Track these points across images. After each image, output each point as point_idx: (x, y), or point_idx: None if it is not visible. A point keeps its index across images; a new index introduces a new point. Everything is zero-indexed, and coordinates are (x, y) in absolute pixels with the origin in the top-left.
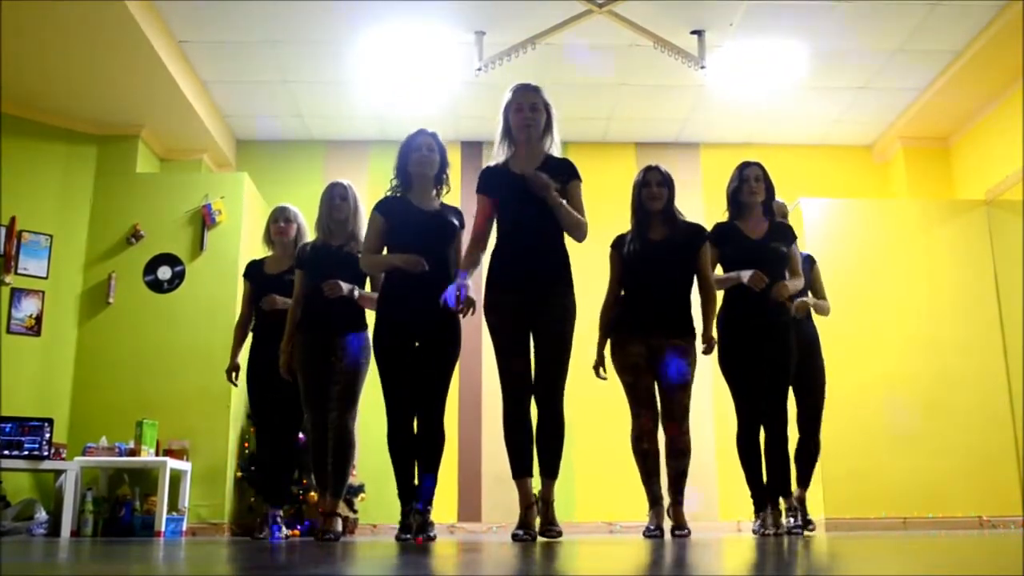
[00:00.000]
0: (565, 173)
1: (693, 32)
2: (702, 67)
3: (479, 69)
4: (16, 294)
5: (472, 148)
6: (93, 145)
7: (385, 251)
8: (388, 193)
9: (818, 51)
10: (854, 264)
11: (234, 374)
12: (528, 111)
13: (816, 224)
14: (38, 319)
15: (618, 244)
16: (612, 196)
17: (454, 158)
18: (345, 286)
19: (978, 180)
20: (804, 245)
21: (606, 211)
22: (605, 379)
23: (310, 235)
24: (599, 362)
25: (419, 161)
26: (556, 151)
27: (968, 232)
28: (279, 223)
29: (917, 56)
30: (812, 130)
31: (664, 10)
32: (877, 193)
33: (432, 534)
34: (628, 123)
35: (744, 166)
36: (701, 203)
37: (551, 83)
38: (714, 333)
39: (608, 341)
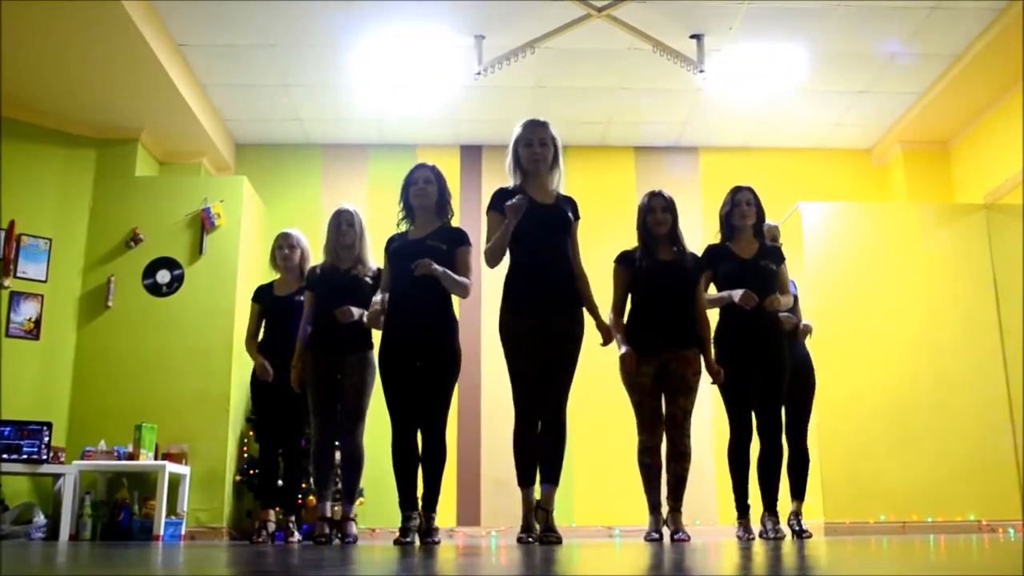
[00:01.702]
0: (573, 213)
1: (692, 36)
2: (701, 71)
3: (479, 73)
4: (15, 297)
5: (471, 152)
6: (92, 148)
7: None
8: (397, 225)
9: (817, 55)
10: (853, 268)
11: (267, 364)
12: (537, 146)
13: (815, 228)
14: (37, 323)
15: (623, 260)
16: (611, 200)
17: (453, 162)
18: (356, 311)
19: (977, 184)
20: (803, 249)
21: (605, 215)
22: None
23: (313, 254)
24: (627, 371)
25: (417, 194)
26: (561, 186)
27: (967, 236)
28: (283, 249)
29: (916, 60)
30: (811, 134)
31: (663, 14)
32: (876, 197)
33: (436, 539)
34: (627, 127)
35: (736, 191)
36: (700, 207)
37: (550, 87)
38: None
39: (619, 352)
